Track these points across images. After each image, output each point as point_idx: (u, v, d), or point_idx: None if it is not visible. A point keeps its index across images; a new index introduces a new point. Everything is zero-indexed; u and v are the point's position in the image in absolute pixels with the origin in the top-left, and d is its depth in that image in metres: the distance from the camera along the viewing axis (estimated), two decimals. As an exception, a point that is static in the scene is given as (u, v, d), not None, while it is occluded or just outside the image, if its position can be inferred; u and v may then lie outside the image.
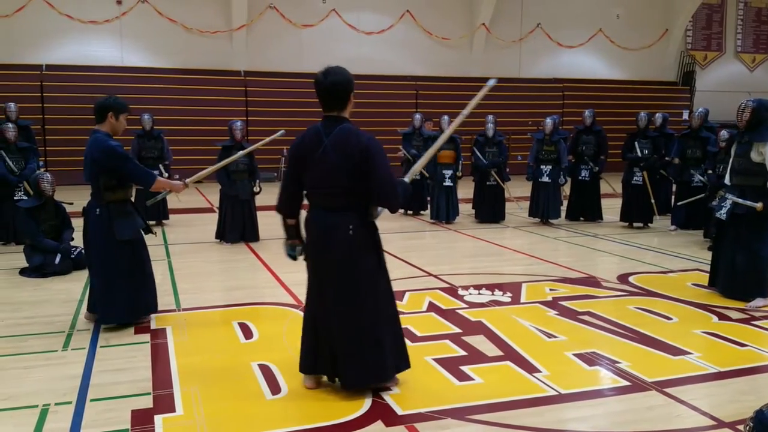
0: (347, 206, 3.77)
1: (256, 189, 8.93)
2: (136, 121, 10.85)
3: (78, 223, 8.84)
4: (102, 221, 5.00)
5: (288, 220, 3.99)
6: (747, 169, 5.91)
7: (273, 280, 6.69)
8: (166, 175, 10.23)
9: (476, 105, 4.29)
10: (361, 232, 3.80)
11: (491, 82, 4.36)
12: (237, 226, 8.77)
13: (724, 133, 8.74)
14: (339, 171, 3.70)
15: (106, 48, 17.51)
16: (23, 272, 6.94)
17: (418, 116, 11.87)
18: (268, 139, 5.96)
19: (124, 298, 5.06)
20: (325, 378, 4.02)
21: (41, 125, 15.85)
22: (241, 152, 7.11)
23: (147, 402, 3.78)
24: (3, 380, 4.12)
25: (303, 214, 3.97)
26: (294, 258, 4.05)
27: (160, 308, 5.63)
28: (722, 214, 6.04)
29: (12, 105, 9.11)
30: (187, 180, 5.53)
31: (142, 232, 5.28)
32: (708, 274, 6.43)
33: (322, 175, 3.74)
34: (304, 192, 3.93)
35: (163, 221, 10.31)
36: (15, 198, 8.37)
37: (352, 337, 3.80)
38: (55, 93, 16.56)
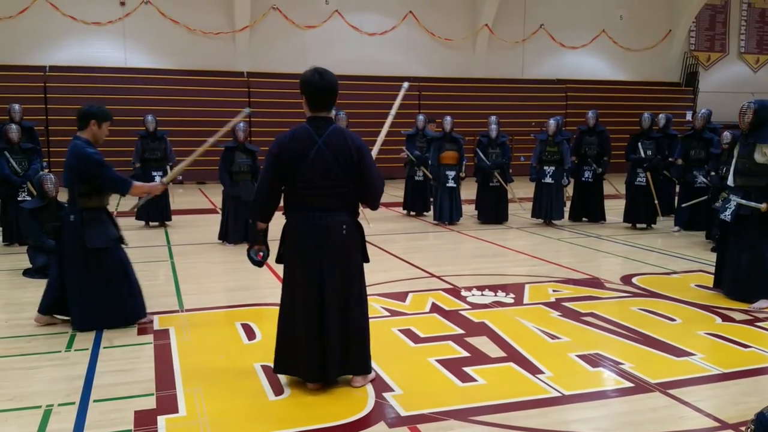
0: (340, 206, 3.82)
1: None
2: (139, 123, 10.89)
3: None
4: (75, 228, 4.98)
5: (260, 225, 3.98)
6: (751, 170, 5.90)
7: (275, 281, 6.69)
8: (171, 176, 10.27)
9: (399, 107, 4.72)
10: (352, 231, 3.87)
11: (405, 85, 4.96)
12: (239, 227, 8.78)
13: (726, 135, 8.73)
14: (336, 171, 3.75)
15: (110, 49, 17.56)
16: (27, 273, 6.96)
17: (421, 117, 11.87)
18: (234, 120, 5.91)
19: (98, 305, 5.02)
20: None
21: (45, 126, 15.90)
22: (209, 140, 6.59)
23: (150, 403, 3.78)
24: (7, 381, 4.13)
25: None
26: (260, 265, 4.05)
27: (164, 309, 5.65)
28: (726, 215, 6.03)
29: (16, 106, 9.13)
30: (164, 179, 5.46)
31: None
32: (712, 276, 6.43)
33: (318, 175, 3.75)
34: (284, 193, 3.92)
35: (166, 222, 10.33)
36: (18, 199, 8.39)
37: (344, 335, 3.85)
38: (58, 94, 16.60)
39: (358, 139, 3.86)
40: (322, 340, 3.81)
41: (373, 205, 3.99)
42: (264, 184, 3.88)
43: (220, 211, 9.38)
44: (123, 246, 5.31)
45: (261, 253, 4.02)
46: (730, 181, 6.16)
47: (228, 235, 8.81)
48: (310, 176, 3.75)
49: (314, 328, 3.81)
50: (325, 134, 3.77)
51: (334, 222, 3.79)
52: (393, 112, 4.66)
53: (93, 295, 5.01)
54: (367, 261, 4.03)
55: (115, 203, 11.41)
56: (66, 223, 5.05)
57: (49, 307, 5.16)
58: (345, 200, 3.84)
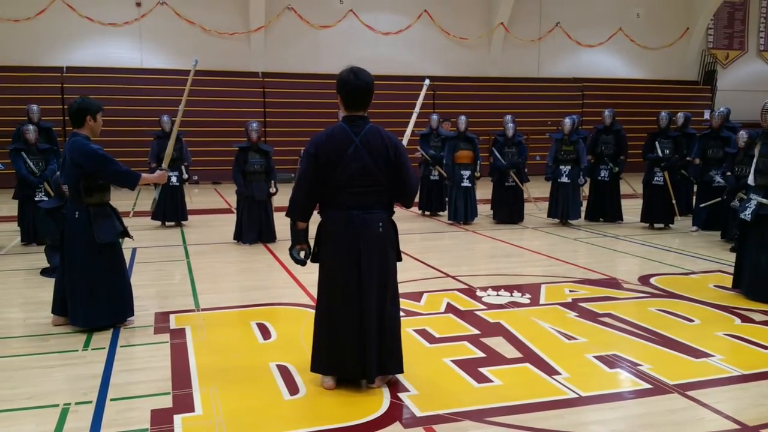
0: (376, 204, 3.86)
1: (272, 190, 8.96)
2: (155, 123, 10.95)
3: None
4: (82, 224, 4.96)
5: (300, 224, 3.99)
6: (772, 170, 5.83)
7: (290, 281, 6.70)
8: (186, 176, 10.33)
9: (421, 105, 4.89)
10: (388, 228, 3.91)
11: (427, 82, 5.13)
12: (254, 227, 8.81)
13: (743, 134, 8.62)
14: (373, 170, 3.79)
15: (126, 50, 17.68)
16: (44, 272, 7.00)
17: (434, 117, 11.85)
18: (189, 78, 6.05)
19: (104, 301, 5.02)
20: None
21: (62, 127, 16.01)
22: (173, 133, 6.35)
23: (166, 401, 3.79)
24: (25, 379, 4.16)
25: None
26: (303, 263, 4.05)
27: (180, 308, 5.68)
28: (746, 215, 5.96)
29: (34, 107, 9.20)
30: (163, 165, 5.48)
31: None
32: (731, 276, 6.35)
33: (356, 174, 3.77)
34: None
35: (182, 222, 10.39)
36: (36, 199, 8.46)
37: (381, 333, 3.86)
38: (75, 95, 16.62)
39: (394, 137, 3.89)
40: (362, 338, 3.82)
41: (408, 202, 4.03)
42: (301, 184, 3.88)
43: (235, 211, 9.40)
44: (129, 239, 5.35)
45: (303, 252, 4.02)
46: (750, 180, 6.08)
47: (242, 235, 8.84)
48: (347, 175, 3.77)
49: (354, 326, 3.83)
50: (362, 133, 3.80)
51: (371, 220, 3.82)
52: (417, 109, 4.75)
53: (99, 292, 5.00)
54: (400, 260, 4.05)
55: (132, 203, 11.50)
56: (69, 220, 5.02)
57: (62, 308, 5.17)
58: (381, 198, 3.88)
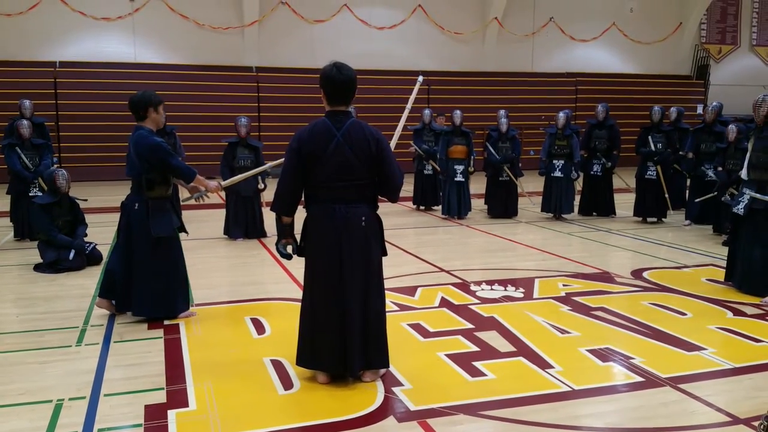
0: (359, 198, 3.85)
1: (260, 186, 8.88)
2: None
3: (97, 219, 8.90)
4: (140, 216, 5.08)
5: (285, 219, 3.99)
6: (766, 164, 5.85)
7: (284, 276, 6.70)
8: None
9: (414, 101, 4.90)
10: (371, 222, 3.91)
11: (420, 79, 5.14)
12: (240, 223, 8.77)
13: (732, 128, 8.65)
14: (355, 164, 3.78)
15: (119, 44, 17.60)
16: (37, 268, 6.99)
17: (427, 111, 11.83)
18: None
19: (156, 293, 5.11)
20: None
21: (55, 122, 15.98)
22: (273, 163, 6.67)
23: (160, 397, 3.79)
24: (19, 375, 4.15)
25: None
26: (289, 258, 4.06)
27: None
28: (739, 209, 5.98)
29: (26, 102, 9.14)
30: (223, 183, 5.61)
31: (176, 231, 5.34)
32: (723, 270, 6.39)
33: (338, 168, 3.77)
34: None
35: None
36: (30, 194, 8.42)
37: (364, 328, 3.86)
38: (68, 90, 16.66)
39: (376, 131, 3.89)
40: (343, 333, 3.83)
41: (393, 197, 4.03)
42: (285, 178, 3.89)
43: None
44: (183, 235, 5.44)
45: (290, 246, 4.03)
46: (743, 175, 6.10)
47: (230, 230, 8.81)
48: (329, 170, 3.78)
49: (335, 320, 3.83)
50: (344, 128, 3.80)
51: (354, 214, 3.82)
52: (409, 105, 4.77)
53: (152, 284, 5.09)
54: (385, 254, 4.05)
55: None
56: (131, 211, 5.14)
57: (105, 292, 5.28)
58: (364, 192, 3.87)
